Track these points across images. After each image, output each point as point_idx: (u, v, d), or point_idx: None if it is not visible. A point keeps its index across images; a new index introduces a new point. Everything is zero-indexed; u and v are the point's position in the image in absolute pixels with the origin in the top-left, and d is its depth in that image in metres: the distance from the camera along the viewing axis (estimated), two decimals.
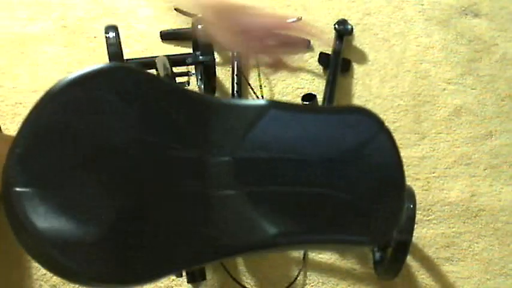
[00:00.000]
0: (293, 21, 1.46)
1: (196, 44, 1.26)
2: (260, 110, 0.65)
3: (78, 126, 0.51)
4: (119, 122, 0.53)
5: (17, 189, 0.49)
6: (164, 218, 0.56)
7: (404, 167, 1.26)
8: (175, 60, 1.21)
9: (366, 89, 1.41)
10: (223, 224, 0.59)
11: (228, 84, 1.37)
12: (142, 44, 1.43)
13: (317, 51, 1.44)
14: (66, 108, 0.51)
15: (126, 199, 0.54)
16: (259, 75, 1.37)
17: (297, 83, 1.39)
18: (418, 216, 1.19)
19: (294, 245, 0.63)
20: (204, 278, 1.01)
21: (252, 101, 0.75)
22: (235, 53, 1.37)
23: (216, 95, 1.33)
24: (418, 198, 1.08)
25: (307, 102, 1.17)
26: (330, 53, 1.42)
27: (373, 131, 0.65)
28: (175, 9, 1.40)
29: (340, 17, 1.48)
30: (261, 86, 1.32)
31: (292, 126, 0.65)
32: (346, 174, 0.64)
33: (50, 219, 0.50)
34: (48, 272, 1.06)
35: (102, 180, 0.54)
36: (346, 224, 0.63)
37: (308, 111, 0.68)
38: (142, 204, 0.55)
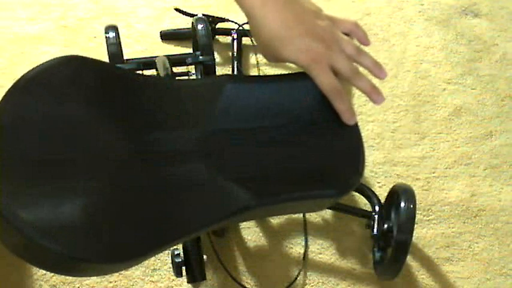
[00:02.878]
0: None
1: (196, 44, 1.26)
2: (218, 85, 0.69)
3: (43, 118, 0.52)
4: (81, 111, 0.54)
5: None
6: (141, 197, 0.58)
7: (404, 167, 1.27)
8: (175, 60, 1.21)
9: None
10: (196, 197, 0.61)
11: None
12: (142, 44, 1.43)
13: None
14: (29, 102, 0.52)
15: (102, 181, 0.56)
16: (259, 75, 1.37)
17: None
18: (418, 216, 1.19)
19: (267, 207, 0.65)
20: (204, 278, 1.01)
21: (208, 78, 0.80)
22: (235, 53, 1.37)
23: None
24: (418, 198, 1.08)
25: None
26: None
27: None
28: (175, 9, 1.40)
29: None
30: None
31: (249, 96, 0.70)
32: (305, 133, 0.69)
33: (30, 208, 0.50)
34: (48, 272, 1.06)
35: (75, 164, 0.55)
36: (313, 178, 0.67)
37: (263, 81, 0.73)
38: (118, 185, 0.57)
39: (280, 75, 0.76)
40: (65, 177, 0.53)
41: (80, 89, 0.58)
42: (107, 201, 0.55)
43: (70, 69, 0.59)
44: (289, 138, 0.68)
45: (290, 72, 0.78)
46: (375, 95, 0.72)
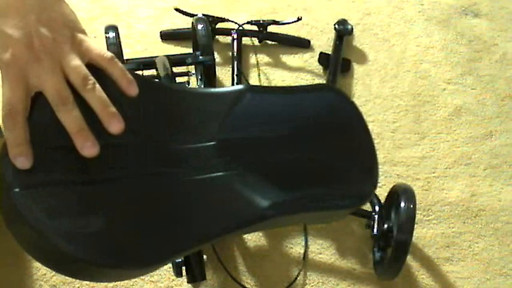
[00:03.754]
0: (293, 21, 1.46)
1: (196, 44, 1.26)
2: (238, 95, 0.69)
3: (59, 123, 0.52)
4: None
5: (17, 189, 0.50)
6: (159, 204, 0.58)
7: (404, 167, 1.27)
8: (175, 60, 1.21)
9: (366, 89, 1.41)
10: (214, 205, 0.62)
11: (228, 84, 1.37)
12: (142, 44, 1.43)
13: (317, 51, 1.44)
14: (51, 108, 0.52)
15: (122, 189, 0.56)
16: (259, 75, 1.37)
17: (297, 83, 1.39)
18: (418, 216, 1.19)
19: (284, 217, 0.66)
20: (204, 278, 1.01)
21: (229, 87, 0.80)
22: (235, 53, 1.37)
23: None
24: (418, 198, 1.07)
25: None
26: (330, 53, 1.42)
27: (339, 103, 0.74)
28: (175, 9, 1.40)
29: (340, 17, 1.48)
30: None
31: (268, 106, 0.71)
32: (322, 143, 0.70)
33: (52, 213, 0.51)
34: (48, 272, 1.06)
35: (94, 170, 0.55)
36: (329, 189, 0.68)
37: (281, 92, 0.74)
38: (137, 193, 0.57)
39: (298, 86, 0.78)
40: (82, 180, 0.53)
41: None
42: (123, 207, 0.55)
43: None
44: (307, 148, 0.69)
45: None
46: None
